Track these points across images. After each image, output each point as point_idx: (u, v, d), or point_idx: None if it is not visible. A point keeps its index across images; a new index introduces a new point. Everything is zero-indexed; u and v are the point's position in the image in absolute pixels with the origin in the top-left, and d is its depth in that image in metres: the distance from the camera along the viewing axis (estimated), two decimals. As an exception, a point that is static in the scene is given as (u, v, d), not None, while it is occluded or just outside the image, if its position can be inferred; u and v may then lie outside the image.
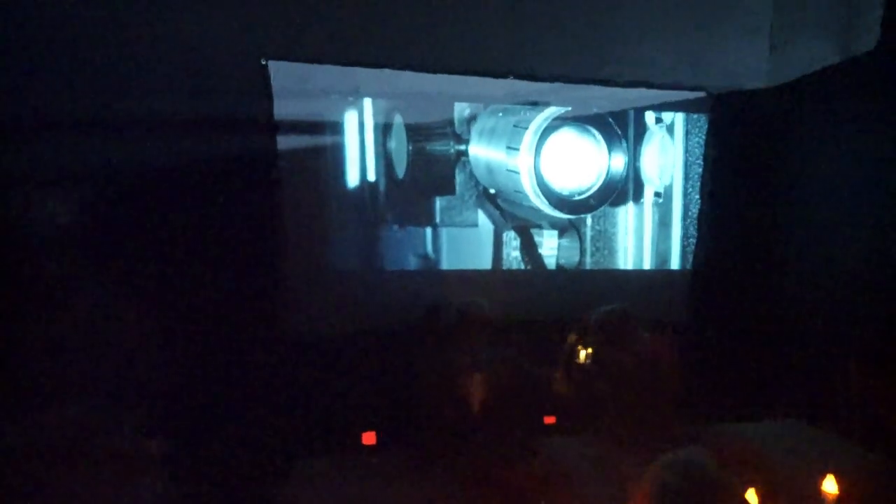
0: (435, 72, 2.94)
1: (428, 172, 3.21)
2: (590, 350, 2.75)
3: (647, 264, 3.48)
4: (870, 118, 2.74)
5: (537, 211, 3.12)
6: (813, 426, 2.71)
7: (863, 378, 2.42)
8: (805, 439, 2.69)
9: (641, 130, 3.37)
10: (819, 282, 2.82)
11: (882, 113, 2.67)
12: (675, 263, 3.45)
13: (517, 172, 3.00)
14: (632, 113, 3.31)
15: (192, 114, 2.70)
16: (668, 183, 3.40)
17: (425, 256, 3.18)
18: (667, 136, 3.39)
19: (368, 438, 2.97)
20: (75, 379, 2.40)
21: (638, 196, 3.43)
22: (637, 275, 3.34)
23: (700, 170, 3.35)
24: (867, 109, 2.76)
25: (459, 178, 3.29)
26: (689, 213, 3.39)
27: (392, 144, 3.13)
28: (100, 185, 2.56)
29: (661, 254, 3.48)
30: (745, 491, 2.05)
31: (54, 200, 2.47)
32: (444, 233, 3.28)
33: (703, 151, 3.37)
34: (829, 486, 2.18)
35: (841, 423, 2.49)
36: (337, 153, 3.01)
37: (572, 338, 2.78)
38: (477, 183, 3.32)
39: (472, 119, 3.25)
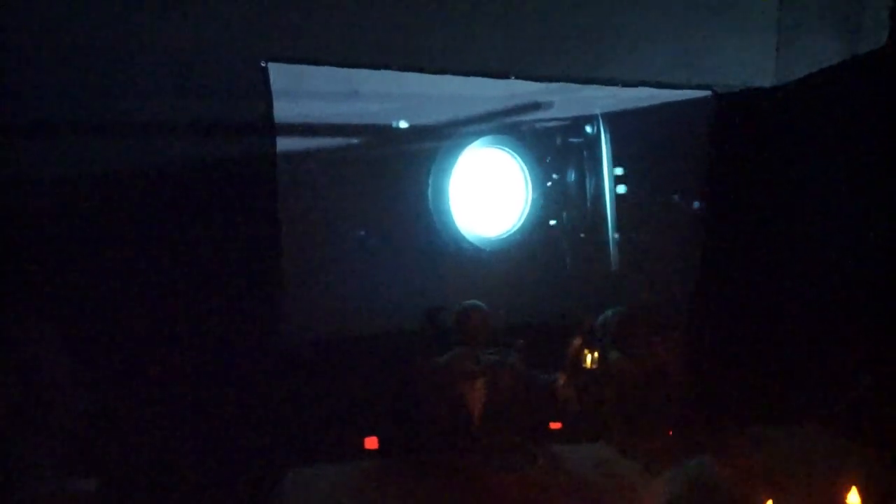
0: (435, 73, 2.92)
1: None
2: (596, 354, 2.70)
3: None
4: (877, 116, 2.69)
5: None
6: (834, 433, 2.60)
7: (886, 382, 2.33)
8: (826, 447, 2.61)
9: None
10: (834, 282, 2.75)
11: (889, 111, 2.63)
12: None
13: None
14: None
15: (191, 116, 2.69)
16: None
17: (427, 260, 3.13)
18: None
19: (371, 443, 2.95)
20: (69, 384, 2.38)
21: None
22: (644, 277, 3.28)
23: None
24: (874, 108, 2.71)
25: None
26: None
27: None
28: (97, 186, 2.55)
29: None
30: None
31: (52, 203, 2.45)
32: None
33: (707, 150, 3.34)
34: (853, 498, 2.07)
35: (864, 430, 2.38)
36: (336, 155, 2.98)
37: (578, 341, 2.73)
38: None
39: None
